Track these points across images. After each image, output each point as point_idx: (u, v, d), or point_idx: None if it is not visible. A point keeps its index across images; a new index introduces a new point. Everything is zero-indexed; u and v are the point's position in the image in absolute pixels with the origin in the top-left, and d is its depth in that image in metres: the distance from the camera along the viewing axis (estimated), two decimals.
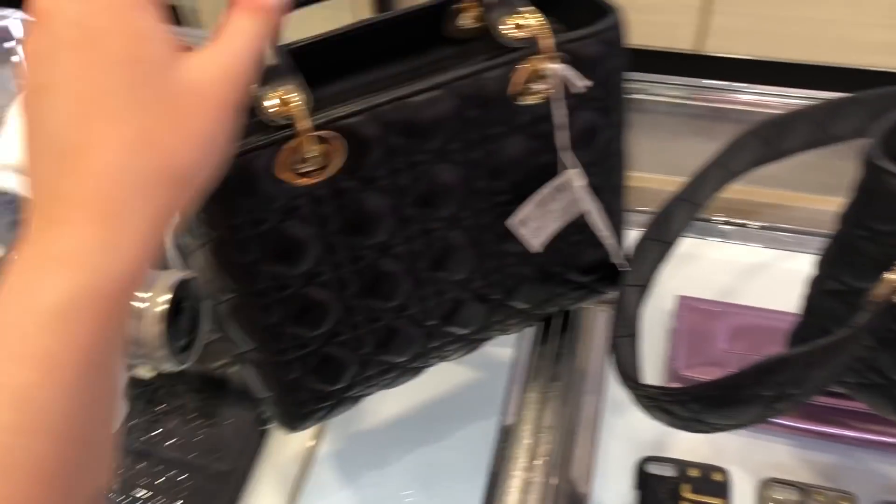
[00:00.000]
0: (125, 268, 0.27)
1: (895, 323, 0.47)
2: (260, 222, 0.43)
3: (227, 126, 0.31)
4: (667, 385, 0.51)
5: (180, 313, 0.55)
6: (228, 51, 0.32)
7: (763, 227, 0.80)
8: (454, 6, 0.49)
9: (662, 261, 0.58)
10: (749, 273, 0.76)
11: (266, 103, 0.40)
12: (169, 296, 0.54)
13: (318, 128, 0.41)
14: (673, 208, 0.57)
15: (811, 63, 0.97)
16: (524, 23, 0.44)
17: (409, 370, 0.55)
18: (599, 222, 0.51)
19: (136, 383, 0.67)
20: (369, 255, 0.47)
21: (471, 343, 0.56)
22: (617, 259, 0.54)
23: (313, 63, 0.45)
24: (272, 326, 0.47)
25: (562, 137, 0.47)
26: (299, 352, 0.49)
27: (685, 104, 0.82)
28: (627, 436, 0.65)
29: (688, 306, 0.69)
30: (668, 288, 0.71)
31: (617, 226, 0.55)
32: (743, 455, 0.63)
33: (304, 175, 0.42)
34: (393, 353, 0.52)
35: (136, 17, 0.29)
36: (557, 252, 0.53)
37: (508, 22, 0.44)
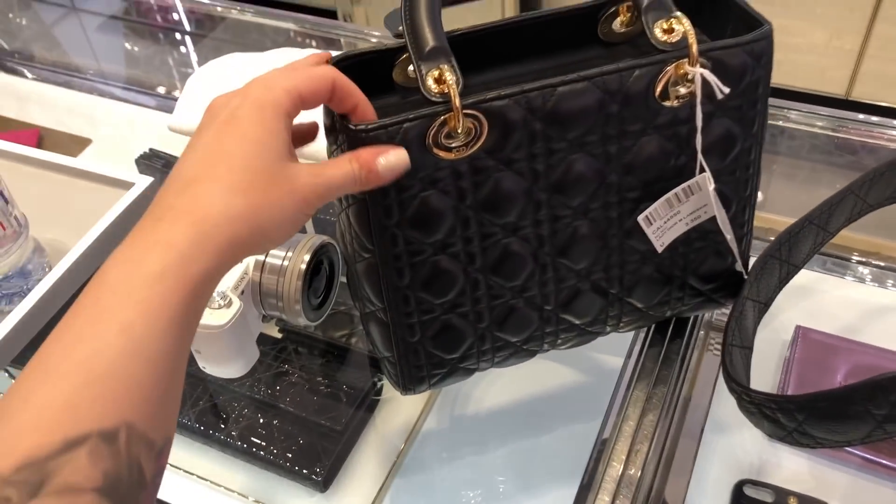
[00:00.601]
0: (200, 268, 0.36)
1: None
2: (405, 189, 0.47)
3: (301, 216, 0.41)
4: (772, 392, 0.51)
5: (317, 274, 0.59)
6: (328, 175, 0.42)
7: (888, 269, 0.78)
8: (608, 10, 0.52)
9: (785, 282, 0.58)
10: (875, 313, 0.74)
11: (428, 80, 0.45)
12: (309, 256, 0.58)
13: (467, 107, 0.45)
14: (802, 231, 0.57)
15: None
16: (675, 27, 0.46)
17: (522, 351, 0.57)
18: (726, 227, 0.52)
19: (266, 340, 0.73)
20: (499, 233, 0.50)
21: (584, 334, 0.58)
22: (739, 267, 0.55)
23: (471, 51, 0.49)
24: (402, 289, 0.50)
25: (698, 140, 0.48)
26: (423, 317, 0.52)
27: (827, 134, 0.82)
28: (727, 456, 0.64)
29: (806, 336, 0.68)
30: (789, 318, 0.71)
31: (741, 239, 0.56)
32: (847, 492, 0.62)
33: (450, 150, 0.46)
34: (509, 332, 0.55)
35: (270, 117, 0.40)
36: (680, 256, 0.55)
37: (660, 25, 0.47)
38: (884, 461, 0.61)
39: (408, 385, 0.56)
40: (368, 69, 0.48)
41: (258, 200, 0.39)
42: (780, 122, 0.84)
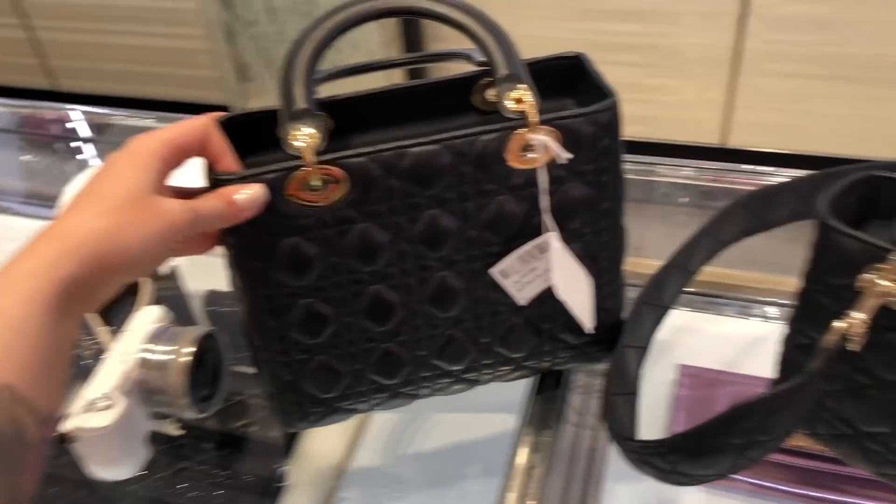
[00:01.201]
0: (66, 273, 0.42)
1: (855, 372, 0.48)
2: (274, 235, 0.52)
3: (169, 242, 0.46)
4: (646, 439, 0.53)
5: (203, 366, 0.60)
6: (194, 204, 0.48)
7: (757, 301, 0.83)
8: (479, 81, 0.56)
9: (658, 324, 0.61)
10: (749, 345, 0.78)
11: (289, 138, 0.50)
12: (193, 349, 0.58)
13: (324, 163, 0.50)
14: (666, 275, 0.60)
15: (835, 156, 1.02)
16: (521, 98, 0.50)
17: (401, 395, 0.60)
18: (562, 287, 0.54)
19: (162, 439, 0.72)
20: (368, 280, 0.54)
21: (461, 381, 0.60)
22: (588, 329, 0.56)
23: (359, 114, 0.56)
24: (277, 329, 0.55)
25: (544, 201, 0.52)
26: (298, 356, 0.56)
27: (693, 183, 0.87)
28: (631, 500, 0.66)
29: (689, 374, 0.72)
30: (676, 357, 0.74)
31: (610, 295, 0.58)
32: None
33: (310, 201, 0.51)
34: (384, 375, 0.58)
35: (142, 160, 0.47)
36: (549, 309, 0.57)
37: (509, 96, 0.51)
38: (769, 484, 0.64)
39: (289, 422, 0.60)
40: (260, 128, 0.54)
41: (122, 221, 0.44)
42: (651, 178, 0.90)
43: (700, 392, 0.70)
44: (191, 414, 0.60)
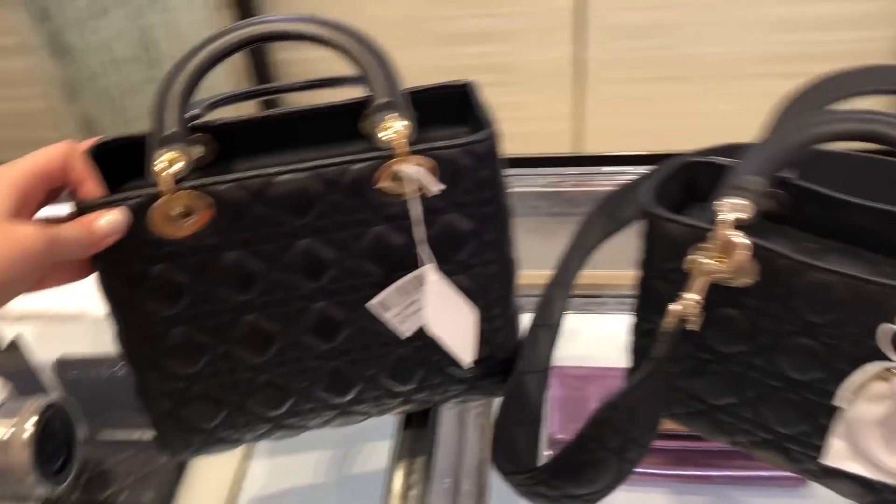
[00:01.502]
0: None
1: (699, 350, 0.51)
2: (142, 261, 0.49)
3: (27, 266, 0.45)
4: (525, 469, 0.52)
5: (51, 437, 0.54)
6: (55, 229, 0.46)
7: (613, 296, 0.88)
8: (367, 108, 0.54)
9: (554, 345, 0.61)
10: (611, 339, 0.81)
11: (154, 164, 0.48)
12: (35, 418, 0.53)
13: (190, 188, 0.48)
14: (551, 294, 0.59)
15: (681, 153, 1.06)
16: (392, 127, 0.49)
17: (285, 426, 0.58)
18: (435, 322, 0.53)
19: None
20: (244, 309, 0.52)
21: (347, 413, 0.58)
22: (465, 365, 0.56)
23: (249, 138, 0.54)
24: (152, 357, 0.53)
25: (418, 232, 0.51)
26: (175, 384, 0.54)
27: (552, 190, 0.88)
28: None
29: (560, 374, 0.73)
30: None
31: (506, 326, 0.57)
32: None
33: (176, 228, 0.49)
34: (265, 406, 0.56)
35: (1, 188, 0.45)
36: (435, 341, 0.55)
37: (383, 126, 0.49)
38: (647, 470, 0.69)
39: (170, 450, 0.57)
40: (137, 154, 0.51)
41: None
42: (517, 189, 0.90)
43: (572, 391, 0.73)
44: (43, 491, 0.53)
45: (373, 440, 0.75)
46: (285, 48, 1.91)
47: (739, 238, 0.46)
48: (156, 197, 0.48)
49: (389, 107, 0.49)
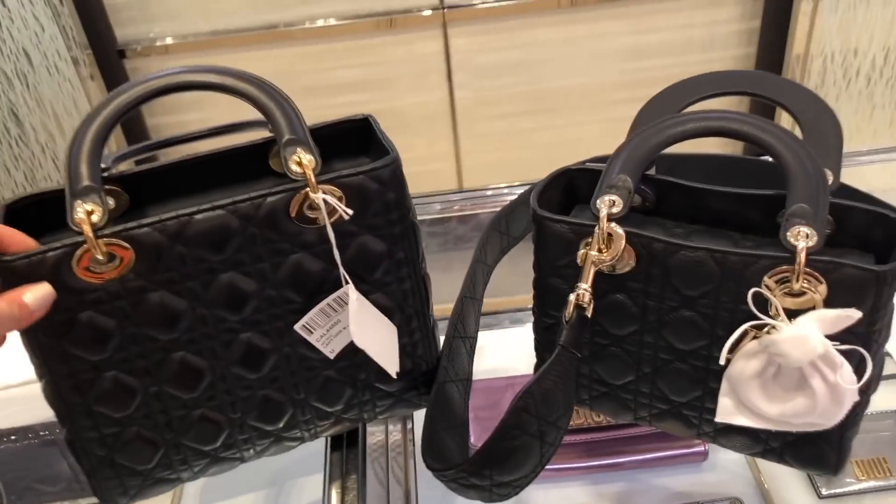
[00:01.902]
0: None
1: (596, 336, 0.58)
2: (62, 311, 0.51)
3: None
4: (456, 464, 0.56)
5: None
6: None
7: (508, 311, 0.95)
8: (271, 147, 0.58)
9: (472, 355, 0.65)
10: (515, 351, 0.88)
11: (75, 213, 0.50)
12: None
13: (107, 236, 0.50)
14: (462, 306, 0.63)
15: None
16: (300, 160, 0.52)
17: (222, 459, 0.60)
18: (360, 336, 0.56)
19: None
20: (171, 347, 0.54)
21: (281, 440, 0.61)
22: (391, 372, 0.59)
23: (159, 186, 0.56)
24: (83, 405, 0.54)
25: (337, 255, 0.54)
26: (108, 429, 0.55)
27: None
28: None
29: (474, 387, 0.76)
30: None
31: (424, 339, 0.61)
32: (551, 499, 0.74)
33: (98, 274, 0.51)
34: (200, 441, 0.58)
35: None
36: (361, 360, 0.59)
37: (293, 159, 0.53)
38: (563, 466, 0.74)
39: (109, 498, 0.58)
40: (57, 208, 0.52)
41: None
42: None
43: (487, 402, 0.77)
44: None
45: (304, 475, 0.76)
46: (159, 113, 1.91)
47: (617, 229, 0.52)
48: (77, 246, 0.49)
49: (295, 143, 0.53)
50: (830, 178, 0.52)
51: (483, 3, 1.84)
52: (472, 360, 0.66)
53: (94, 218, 0.49)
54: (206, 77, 0.53)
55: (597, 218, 0.52)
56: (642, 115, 0.60)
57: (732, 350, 0.51)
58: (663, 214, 0.58)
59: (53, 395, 0.54)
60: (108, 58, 1.82)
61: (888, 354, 0.73)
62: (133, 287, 0.51)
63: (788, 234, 0.49)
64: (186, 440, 0.57)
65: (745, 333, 0.51)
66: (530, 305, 0.62)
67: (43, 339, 0.51)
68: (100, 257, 0.50)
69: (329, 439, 0.69)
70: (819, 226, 0.49)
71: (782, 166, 0.51)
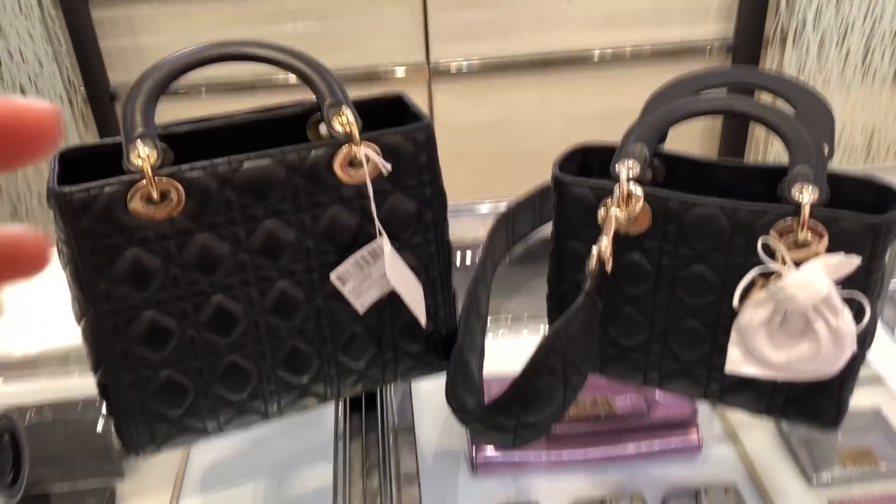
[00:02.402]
0: None
1: (612, 296, 0.61)
2: (112, 248, 0.53)
3: None
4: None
5: (1, 451, 0.54)
6: None
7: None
8: (312, 117, 0.62)
9: (484, 333, 0.68)
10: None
11: (131, 156, 0.53)
12: None
13: (163, 176, 0.53)
14: (476, 287, 0.67)
15: None
16: (345, 118, 0.56)
17: (250, 410, 0.61)
18: (395, 279, 0.59)
19: None
20: (209, 291, 0.56)
21: (306, 394, 0.63)
22: (422, 323, 0.62)
23: (199, 146, 0.58)
24: (119, 346, 0.56)
25: (373, 209, 0.58)
26: (143, 372, 0.57)
27: None
28: None
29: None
30: None
31: (445, 303, 0.64)
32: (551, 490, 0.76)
33: (151, 214, 0.53)
34: (229, 388, 0.59)
35: None
36: (388, 317, 0.62)
37: (336, 119, 0.57)
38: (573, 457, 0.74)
39: (137, 444, 0.59)
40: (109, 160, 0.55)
41: None
42: None
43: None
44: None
45: (310, 463, 0.78)
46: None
47: (636, 188, 0.56)
48: (132, 184, 0.52)
49: (338, 104, 0.57)
50: (826, 150, 0.58)
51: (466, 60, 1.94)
52: (485, 338, 0.69)
53: (151, 160, 0.53)
54: (253, 49, 0.57)
55: (617, 179, 0.57)
56: (652, 100, 0.65)
57: (743, 299, 0.55)
58: (673, 187, 0.62)
59: (93, 334, 0.55)
60: (101, 101, 1.86)
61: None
62: (180, 228, 0.54)
63: (793, 189, 0.54)
64: (216, 387, 0.59)
65: (753, 283, 0.55)
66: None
67: (90, 275, 0.53)
68: (154, 196, 0.53)
69: (338, 422, 0.70)
70: (820, 183, 0.54)
71: (783, 137, 0.56)
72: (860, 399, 0.62)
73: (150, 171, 0.52)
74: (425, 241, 0.61)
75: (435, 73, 1.98)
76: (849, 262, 0.52)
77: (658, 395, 0.79)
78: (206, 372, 0.58)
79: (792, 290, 0.52)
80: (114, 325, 0.55)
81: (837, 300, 0.53)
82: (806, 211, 0.53)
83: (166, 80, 0.55)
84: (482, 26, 1.94)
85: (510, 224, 0.77)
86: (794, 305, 0.53)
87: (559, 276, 0.63)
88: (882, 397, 0.83)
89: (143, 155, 0.52)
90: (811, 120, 0.61)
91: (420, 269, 0.62)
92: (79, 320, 0.56)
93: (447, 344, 0.65)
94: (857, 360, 0.57)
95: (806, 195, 0.53)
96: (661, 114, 0.59)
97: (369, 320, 0.61)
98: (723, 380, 0.60)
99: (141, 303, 0.55)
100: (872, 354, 0.61)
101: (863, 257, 0.52)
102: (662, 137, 0.61)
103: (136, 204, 0.52)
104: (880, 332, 0.84)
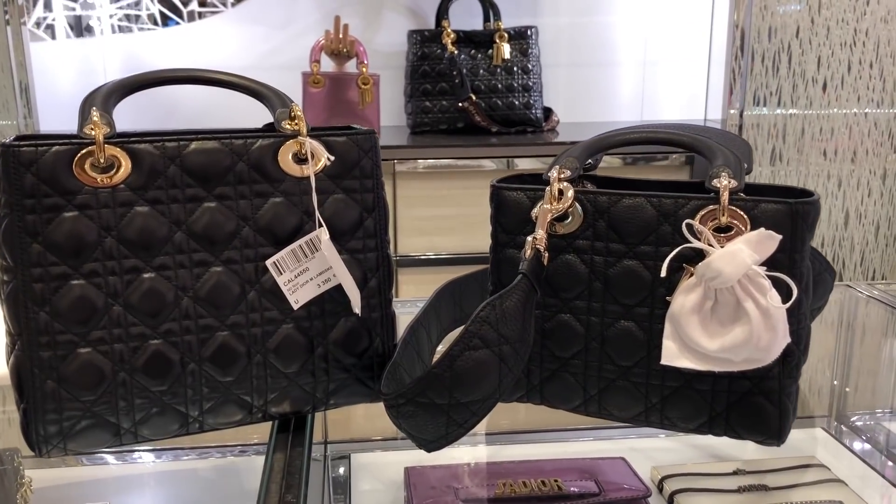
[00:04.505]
0: None
1: (548, 296, 0.62)
2: (51, 208, 0.54)
3: None
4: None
5: None
6: None
7: None
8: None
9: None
10: None
11: (84, 127, 0.55)
12: None
13: (110, 143, 0.55)
14: (415, 326, 0.68)
15: None
16: (295, 115, 0.60)
17: (166, 408, 0.58)
18: (339, 270, 0.60)
19: None
20: (143, 268, 0.56)
21: (229, 399, 0.60)
22: (355, 306, 0.61)
23: None
24: (41, 314, 0.54)
25: (312, 202, 0.59)
26: (61, 350, 0.55)
27: None
28: None
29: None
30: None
31: (382, 321, 0.64)
32: None
33: (94, 178, 0.55)
34: (149, 376, 0.57)
35: None
36: (321, 325, 0.61)
37: (285, 122, 0.60)
38: None
39: (39, 434, 0.56)
40: None
41: None
42: None
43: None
44: None
45: None
46: None
47: (567, 186, 0.59)
48: (82, 147, 0.54)
49: (287, 108, 0.60)
50: (745, 167, 0.62)
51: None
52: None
53: (103, 130, 0.55)
54: (216, 75, 0.62)
55: (548, 182, 0.60)
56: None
57: (672, 279, 0.56)
58: None
59: (16, 305, 0.54)
60: None
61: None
62: (122, 200, 0.55)
63: (714, 181, 0.57)
64: (136, 374, 0.56)
65: (682, 273, 0.56)
66: None
67: (23, 238, 0.53)
68: (101, 160, 0.54)
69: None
70: (738, 176, 0.57)
71: (702, 151, 0.60)
72: None
73: (101, 136, 0.54)
74: (365, 248, 0.62)
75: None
76: (770, 238, 0.53)
77: (609, 474, 0.76)
78: (128, 355, 0.56)
79: (717, 263, 0.53)
80: (39, 293, 0.54)
81: (764, 279, 0.53)
82: (725, 196, 0.55)
83: (128, 87, 0.59)
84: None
85: (457, 295, 0.78)
86: (722, 281, 0.53)
87: (498, 283, 0.63)
88: None
89: (95, 121, 0.55)
90: (731, 145, 0.65)
91: (359, 277, 0.62)
92: (4, 291, 0.55)
93: (382, 362, 0.64)
94: (793, 359, 0.57)
95: (724, 181, 0.56)
96: (591, 140, 0.64)
97: (303, 323, 0.61)
98: (662, 389, 0.59)
99: (71, 271, 0.54)
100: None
101: (784, 239, 0.54)
102: (595, 164, 0.65)
103: (81, 167, 0.54)
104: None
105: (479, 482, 0.74)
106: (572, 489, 0.75)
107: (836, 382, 0.97)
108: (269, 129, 0.61)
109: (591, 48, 2.06)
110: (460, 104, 1.79)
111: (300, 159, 0.59)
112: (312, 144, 0.59)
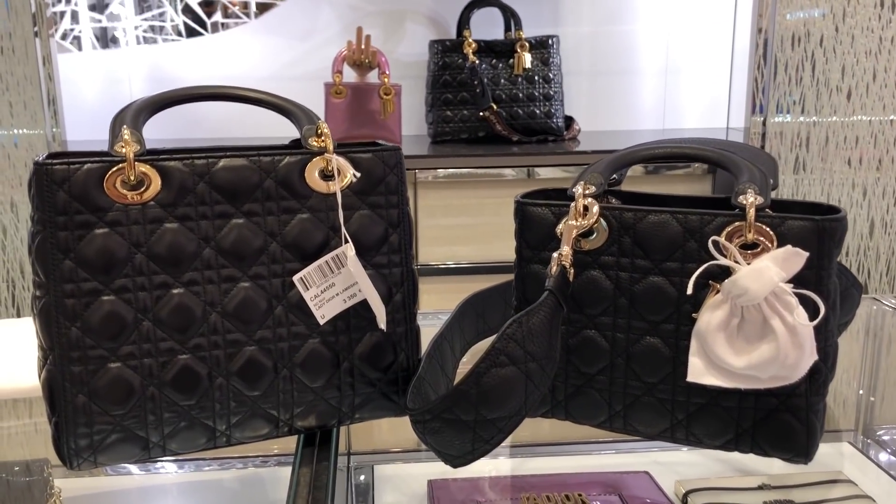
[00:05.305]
0: None
1: (574, 312, 0.62)
2: (82, 225, 0.55)
3: None
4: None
5: None
6: None
7: None
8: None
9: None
10: None
11: (114, 144, 0.56)
12: None
13: (140, 161, 0.56)
14: (439, 340, 0.68)
15: None
16: (321, 133, 0.60)
17: (194, 423, 0.59)
18: (364, 284, 0.60)
19: None
20: (172, 283, 0.57)
21: (256, 415, 0.60)
22: (380, 321, 0.61)
23: None
24: (72, 329, 0.55)
25: (340, 217, 0.60)
26: (91, 364, 0.56)
27: None
28: None
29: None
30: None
31: (407, 335, 0.64)
32: None
33: (125, 195, 0.56)
34: (178, 390, 0.58)
35: None
36: (347, 339, 0.62)
37: (312, 139, 0.61)
38: None
39: (70, 448, 0.56)
40: None
41: None
42: None
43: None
44: None
45: None
46: None
47: (592, 202, 0.59)
48: (113, 165, 0.55)
49: (314, 125, 0.61)
50: (771, 183, 0.61)
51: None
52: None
53: (133, 147, 0.56)
54: (244, 92, 0.62)
55: (573, 198, 0.60)
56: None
57: (698, 296, 0.56)
58: None
59: (48, 320, 0.55)
60: None
61: None
62: (152, 216, 0.56)
63: (740, 197, 0.56)
64: (165, 388, 0.57)
65: (709, 290, 0.56)
66: None
67: (56, 253, 0.54)
68: (132, 179, 0.55)
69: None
70: (764, 192, 0.57)
71: (728, 167, 0.60)
72: None
73: (131, 155, 0.55)
74: (390, 263, 0.63)
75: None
76: (797, 255, 0.53)
77: (633, 489, 0.75)
78: (157, 370, 0.57)
79: (744, 281, 0.53)
80: (70, 308, 0.55)
81: (791, 296, 0.53)
82: (752, 213, 0.55)
83: (157, 104, 0.60)
84: None
85: (480, 309, 0.78)
86: (748, 298, 0.53)
87: (522, 298, 0.64)
88: None
89: (126, 139, 0.56)
90: (756, 161, 0.65)
91: (384, 292, 0.62)
92: (37, 306, 0.56)
93: (407, 377, 0.64)
94: (821, 376, 0.56)
95: (751, 198, 0.56)
96: (615, 155, 0.64)
97: (329, 338, 0.61)
98: (688, 405, 0.59)
99: (102, 287, 0.55)
100: None
101: (811, 256, 0.54)
102: (620, 179, 0.65)
103: (112, 184, 0.55)
104: None
105: (502, 496, 0.74)
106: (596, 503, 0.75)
107: (861, 393, 0.96)
108: (296, 145, 0.62)
109: (613, 57, 2.05)
110: (481, 113, 1.80)
111: (327, 176, 0.60)
112: (339, 161, 0.60)
